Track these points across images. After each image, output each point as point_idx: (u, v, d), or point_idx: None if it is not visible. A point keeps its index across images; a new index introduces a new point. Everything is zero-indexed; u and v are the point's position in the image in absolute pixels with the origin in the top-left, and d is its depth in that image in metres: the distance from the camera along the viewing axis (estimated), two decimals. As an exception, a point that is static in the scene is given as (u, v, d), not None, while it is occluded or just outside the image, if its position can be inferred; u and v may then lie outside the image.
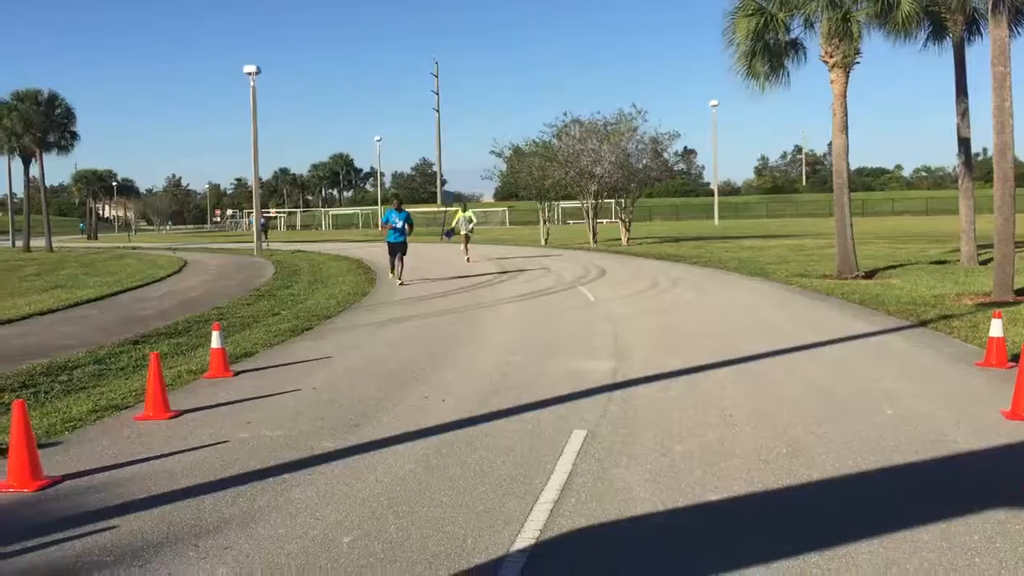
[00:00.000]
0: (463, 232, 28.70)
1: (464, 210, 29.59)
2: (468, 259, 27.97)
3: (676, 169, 48.10)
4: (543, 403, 7.77)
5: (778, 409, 7.37)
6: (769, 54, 20.09)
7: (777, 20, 19.51)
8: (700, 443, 6.38)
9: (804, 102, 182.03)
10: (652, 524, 4.82)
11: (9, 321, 15.37)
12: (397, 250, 21.15)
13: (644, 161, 40.55)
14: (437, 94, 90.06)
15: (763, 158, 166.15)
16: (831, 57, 18.99)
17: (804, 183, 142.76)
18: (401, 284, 20.31)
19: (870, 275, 19.75)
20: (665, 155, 41.60)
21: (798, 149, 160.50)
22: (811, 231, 48.55)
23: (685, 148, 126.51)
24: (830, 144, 23.46)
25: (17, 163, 58.32)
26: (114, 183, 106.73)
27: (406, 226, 21.15)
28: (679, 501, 5.16)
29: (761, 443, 6.34)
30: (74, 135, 56.62)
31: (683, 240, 42.58)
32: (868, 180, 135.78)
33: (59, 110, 55.24)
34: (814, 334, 11.47)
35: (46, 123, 53.92)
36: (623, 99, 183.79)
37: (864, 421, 6.91)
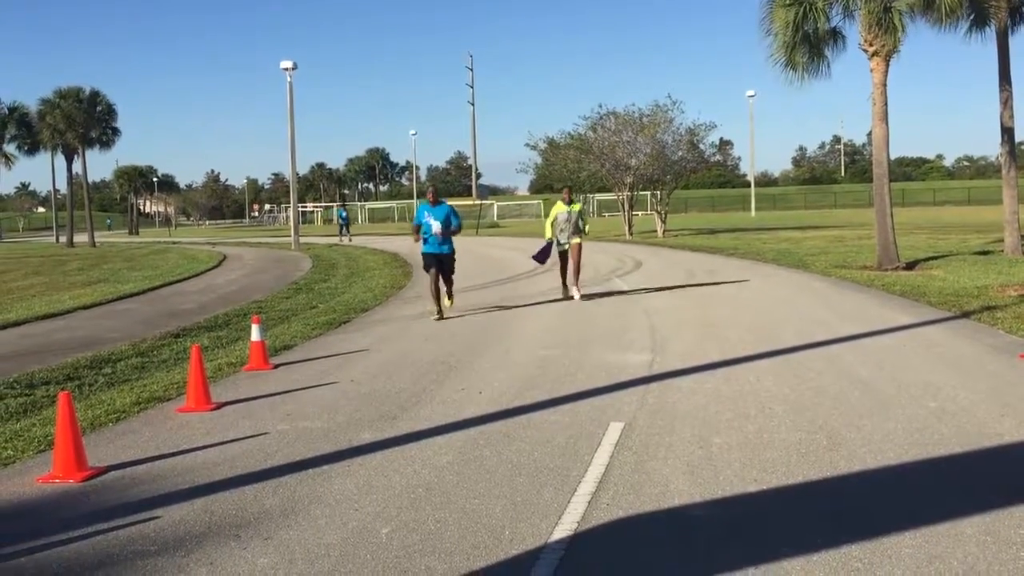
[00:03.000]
0: (567, 242, 15.35)
1: (571, 203, 15.45)
2: (574, 294, 15.17)
3: (712, 160, 47.72)
4: (580, 395, 7.76)
5: (818, 401, 7.31)
6: (808, 44, 19.84)
7: (816, 9, 19.26)
8: (738, 435, 6.34)
9: (843, 91, 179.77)
10: (690, 516, 4.80)
11: (54, 315, 15.66)
12: (436, 264, 13.11)
13: (680, 152, 40.25)
14: (472, 87, 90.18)
15: (801, 148, 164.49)
16: (871, 46, 18.72)
17: (843, 173, 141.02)
18: (439, 318, 13.01)
19: (911, 266, 19.47)
20: (701, 146, 41.28)
21: (837, 139, 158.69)
22: (850, 222, 47.96)
23: (721, 139, 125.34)
24: (870, 133, 23.17)
25: (60, 160, 59.46)
26: (155, 179, 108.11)
27: (449, 226, 13.13)
28: (717, 493, 5.13)
29: (800, 435, 6.29)
30: (115, 131, 57.56)
31: (719, 232, 42.28)
32: (908, 170, 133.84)
33: (100, 107, 56.14)
34: (854, 326, 11.35)
35: (88, 120, 54.81)
36: (659, 91, 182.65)
37: (905, 414, 6.83)
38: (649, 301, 14.95)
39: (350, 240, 44.56)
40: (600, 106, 42.57)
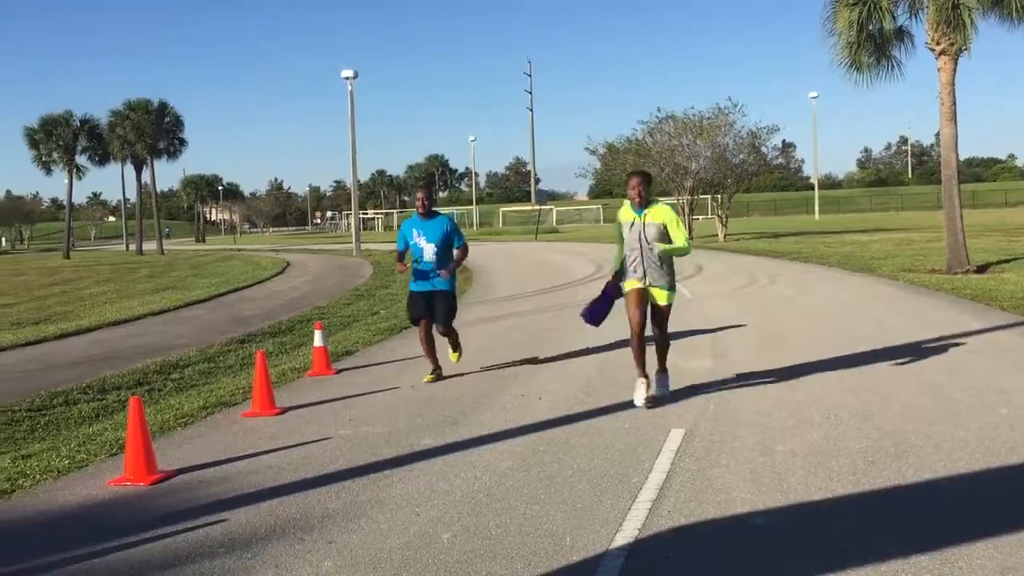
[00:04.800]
0: (644, 284, 7.63)
1: (646, 204, 7.58)
2: (650, 390, 7.71)
3: (775, 163, 47.11)
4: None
5: (885, 408, 7.15)
6: (873, 44, 19.46)
7: (881, 8, 18.88)
8: (802, 443, 6.24)
9: (910, 90, 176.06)
10: (753, 524, 4.74)
11: (125, 321, 16.07)
12: (425, 310, 8.87)
13: (741, 156, 39.83)
14: (530, 93, 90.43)
15: (866, 150, 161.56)
16: (938, 45, 18.30)
17: (910, 175, 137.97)
18: (434, 378, 8.97)
19: (982, 269, 18.96)
20: (763, 149, 40.79)
21: (903, 140, 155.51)
22: (918, 225, 46.89)
23: (784, 141, 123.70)
24: (937, 134, 22.66)
25: (130, 170, 61.07)
26: (220, 187, 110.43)
27: (450, 248, 8.93)
28: (781, 501, 5.05)
29: (867, 443, 6.16)
30: (182, 142, 58.95)
31: (782, 235, 41.67)
32: (979, 171, 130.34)
33: (168, 118, 57.52)
34: (922, 331, 11.09)
35: (156, 131, 56.22)
36: (719, 93, 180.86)
37: (977, 421, 6.65)
38: (710, 306, 14.79)
39: None
40: (659, 110, 42.34)
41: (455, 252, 8.96)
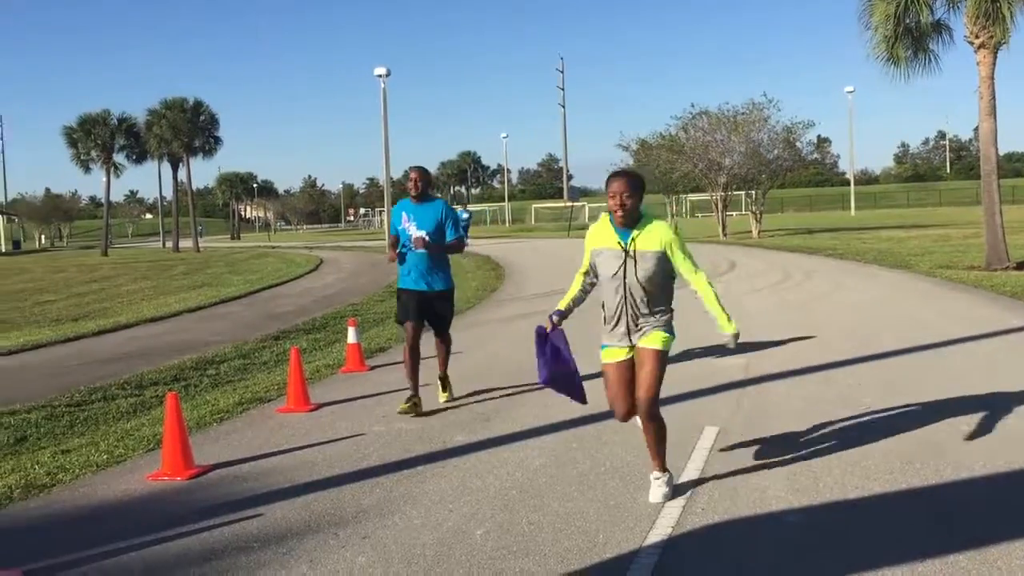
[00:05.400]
0: (626, 343, 5.19)
1: (635, 220, 5.01)
2: (657, 489, 5.17)
3: (810, 159, 46.61)
4: (673, 399, 7.67)
5: (922, 406, 7.06)
6: (911, 37, 19.20)
7: (918, 1, 18.62)
8: (838, 441, 6.17)
9: (948, 84, 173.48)
10: (787, 523, 4.70)
11: (161, 318, 16.28)
12: (416, 312, 7.55)
13: (776, 151, 39.48)
14: (563, 90, 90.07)
15: (903, 145, 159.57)
16: (977, 38, 18.01)
17: (948, 170, 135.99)
18: (413, 410, 7.40)
19: (1022, 266, 18.65)
20: (798, 145, 40.40)
21: (941, 135, 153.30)
22: (956, 221, 46.22)
23: (819, 137, 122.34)
24: (976, 129, 22.30)
25: (166, 168, 61.81)
26: (254, 185, 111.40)
27: (444, 237, 7.58)
28: (815, 499, 5.01)
29: (904, 441, 6.09)
30: (217, 140, 59.54)
31: (817, 231, 41.26)
32: (1019, 166, 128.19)
33: (203, 116, 58.13)
34: (960, 328, 10.93)
35: (192, 129, 56.84)
36: (754, 88, 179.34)
37: (1018, 420, 6.55)
38: (744, 302, 14.69)
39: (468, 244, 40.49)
40: (692, 105, 42.12)
41: (450, 242, 7.58)
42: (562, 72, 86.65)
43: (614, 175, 4.99)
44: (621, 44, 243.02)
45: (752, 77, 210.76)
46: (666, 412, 7.17)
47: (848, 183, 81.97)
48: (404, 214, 7.56)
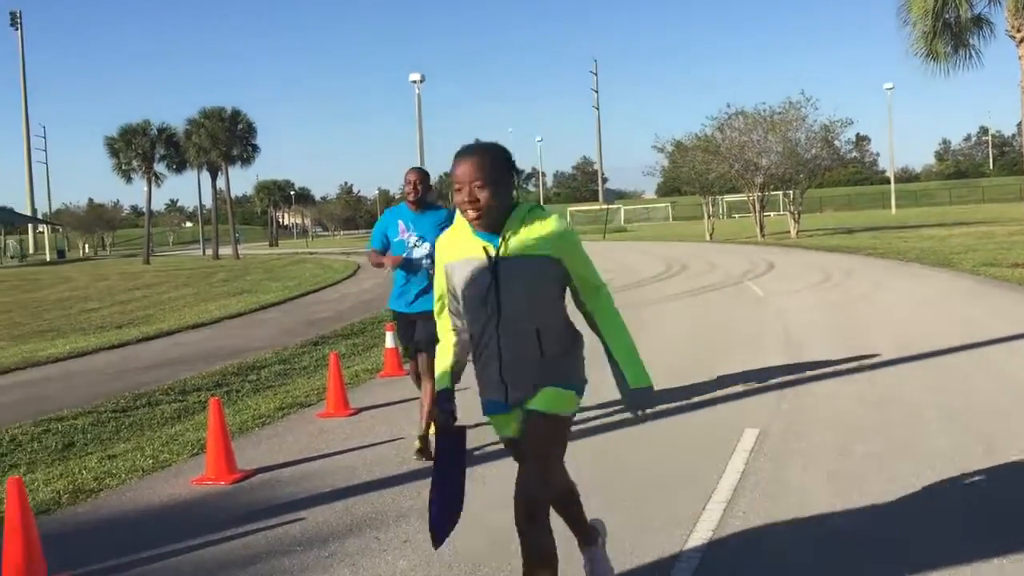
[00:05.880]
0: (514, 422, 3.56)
1: (499, 221, 3.33)
2: None
3: (848, 157, 46.12)
4: (712, 401, 7.63)
5: (968, 406, 6.95)
6: (950, 32, 18.94)
7: (957, -5, 18.38)
8: (883, 442, 6.09)
9: (990, 80, 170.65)
10: (831, 526, 4.65)
11: (203, 324, 16.48)
12: (415, 338, 6.40)
13: (813, 150, 39.13)
14: (597, 92, 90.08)
15: (944, 141, 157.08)
16: (1019, 32, 17.72)
17: (991, 166, 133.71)
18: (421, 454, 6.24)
19: (1069, 263, 18.29)
20: (837, 143, 39.99)
21: (984, 130, 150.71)
22: (1000, 217, 45.44)
23: (858, 135, 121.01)
24: (1020, 124, 21.92)
25: (205, 177, 62.57)
26: (292, 192, 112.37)
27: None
28: (859, 503, 4.95)
29: (950, 442, 6.00)
30: (255, 148, 60.09)
31: (857, 231, 40.77)
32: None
33: (241, 125, 58.73)
34: (1007, 326, 10.74)
35: (230, 138, 57.43)
36: (790, 87, 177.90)
37: (1066, 420, 6.42)
38: (783, 303, 14.56)
39: None
40: (728, 106, 41.83)
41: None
42: (596, 74, 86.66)
43: (459, 154, 3.33)
44: (655, 45, 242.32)
45: (789, 76, 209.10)
46: (705, 414, 7.16)
47: (888, 181, 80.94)
48: (401, 223, 6.33)
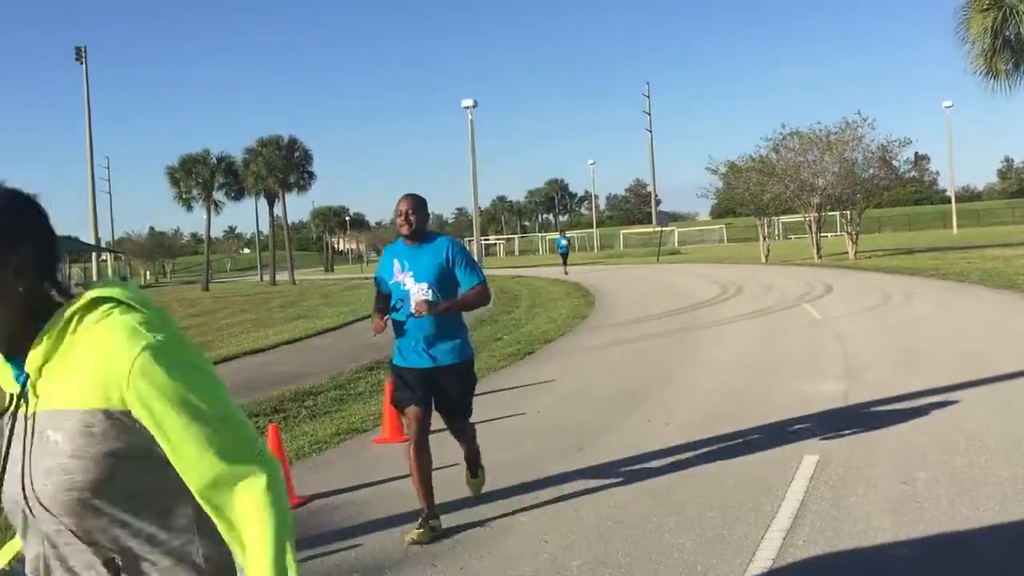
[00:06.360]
0: None
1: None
2: None
3: (907, 177, 45.35)
4: (770, 427, 7.53)
5: (1035, 433, 6.76)
6: (1010, 50, 18.61)
7: (1018, 12, 18.05)
8: (945, 470, 5.96)
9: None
10: (893, 556, 4.55)
11: (260, 350, 16.72)
12: (424, 396, 5.26)
13: (871, 170, 38.60)
14: (649, 114, 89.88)
15: (1007, 159, 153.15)
16: (1082, 46, 17.34)
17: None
18: (421, 539, 5.09)
19: None
20: (895, 163, 39.40)
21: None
22: (1066, 236, 44.20)
23: (917, 154, 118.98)
24: (1085, 140, 21.40)
25: (263, 204, 63.65)
26: (347, 218, 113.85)
27: (449, 292, 5.25)
28: (923, 532, 4.84)
29: (1016, 470, 5.84)
30: (311, 175, 61.09)
31: (917, 251, 39.98)
32: None
33: (298, 153, 59.78)
34: (1074, 350, 10.44)
35: (287, 166, 58.48)
36: (846, 107, 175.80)
37: None
38: (841, 326, 14.32)
39: (567, 273, 37.11)
40: (783, 126, 41.48)
41: (467, 298, 5.33)
42: (648, 97, 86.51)
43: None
44: (708, 67, 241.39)
45: (847, 97, 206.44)
46: (762, 440, 7.07)
47: (949, 200, 79.35)
48: (396, 262, 5.30)
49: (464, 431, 5.65)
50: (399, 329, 5.26)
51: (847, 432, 7.18)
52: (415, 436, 5.23)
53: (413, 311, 5.08)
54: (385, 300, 5.37)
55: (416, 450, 5.21)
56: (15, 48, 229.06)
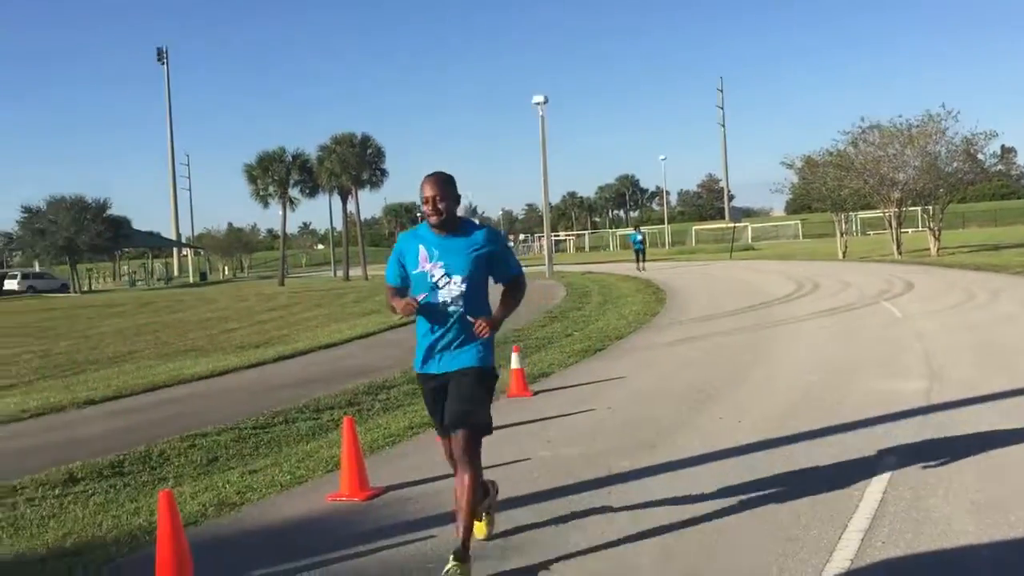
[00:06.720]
0: None
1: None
2: None
3: (993, 171, 43.93)
4: (846, 426, 7.39)
5: None
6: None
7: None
8: (1032, 473, 5.78)
9: None
10: (976, 557, 4.44)
11: (335, 344, 17.02)
12: (443, 406, 4.80)
13: (955, 164, 37.49)
14: (722, 109, 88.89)
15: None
16: None
17: None
18: (458, 567, 4.42)
19: None
20: (980, 156, 38.20)
21: None
22: None
23: (1003, 147, 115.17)
24: None
25: (336, 200, 64.54)
26: (418, 214, 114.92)
27: (478, 293, 4.70)
28: (1008, 535, 4.71)
29: (1108, 475, 5.63)
30: (384, 172, 61.63)
31: (1004, 248, 38.68)
32: None
33: (370, 150, 60.40)
34: None
35: (360, 163, 59.11)
36: (929, 99, 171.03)
37: None
38: (923, 324, 13.96)
39: (643, 269, 36.95)
40: (862, 119, 40.47)
41: (511, 295, 4.93)
42: (721, 91, 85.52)
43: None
44: (782, 61, 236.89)
45: (928, 89, 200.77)
46: (840, 439, 6.94)
47: (1036, 195, 76.56)
48: (422, 249, 4.71)
49: (471, 457, 4.70)
50: (427, 330, 4.73)
51: (928, 433, 7.01)
52: (458, 460, 4.76)
53: (477, 332, 4.59)
54: (401, 293, 4.80)
55: (457, 477, 4.75)
56: (99, 48, 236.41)
